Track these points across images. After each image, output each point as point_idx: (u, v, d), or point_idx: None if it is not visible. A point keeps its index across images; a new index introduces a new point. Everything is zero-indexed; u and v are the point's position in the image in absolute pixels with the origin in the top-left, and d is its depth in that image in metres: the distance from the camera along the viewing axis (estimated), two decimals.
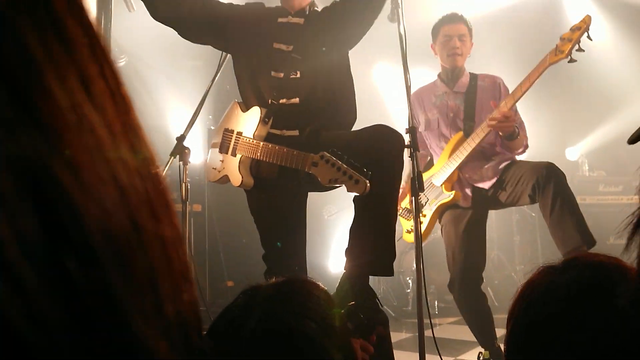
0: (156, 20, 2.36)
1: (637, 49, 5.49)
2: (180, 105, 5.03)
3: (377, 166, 1.97)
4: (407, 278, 5.00)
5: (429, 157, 3.11)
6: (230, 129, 2.36)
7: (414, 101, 3.07)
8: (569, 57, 2.50)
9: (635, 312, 0.40)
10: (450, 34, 2.91)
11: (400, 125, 2.27)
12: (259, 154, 2.20)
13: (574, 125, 6.52)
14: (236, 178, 2.28)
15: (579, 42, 2.50)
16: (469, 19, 3.01)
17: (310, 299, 0.83)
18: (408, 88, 2.28)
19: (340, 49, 2.34)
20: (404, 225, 3.10)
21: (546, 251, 5.19)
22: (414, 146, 2.15)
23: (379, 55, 6.13)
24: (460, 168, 2.85)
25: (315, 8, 2.38)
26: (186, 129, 2.59)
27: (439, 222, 3.01)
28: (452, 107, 2.93)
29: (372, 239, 2.00)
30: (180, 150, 2.52)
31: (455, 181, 2.89)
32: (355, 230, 2.05)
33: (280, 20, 2.34)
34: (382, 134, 2.05)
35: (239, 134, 2.30)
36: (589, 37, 2.50)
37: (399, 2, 2.37)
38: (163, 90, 5.47)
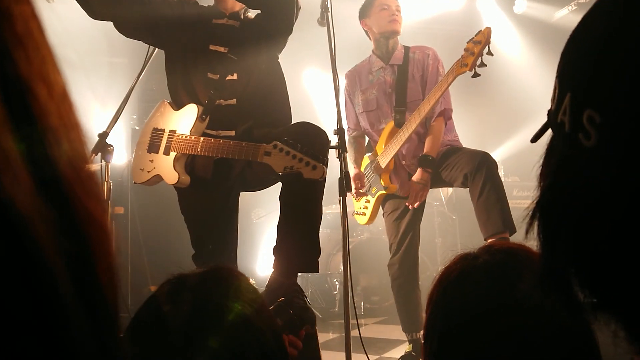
0: (94, 19, 2.29)
1: (548, 62, 5.88)
2: (101, 103, 4.82)
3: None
4: (334, 280, 5.06)
5: (366, 140, 3.17)
6: (160, 128, 2.32)
7: (350, 81, 3.12)
8: (473, 70, 2.52)
9: (536, 293, 0.45)
10: (388, 3, 2.96)
11: (330, 127, 2.30)
12: (199, 150, 2.17)
13: (492, 133, 6.89)
14: (172, 176, 2.24)
15: (482, 55, 2.51)
16: None
17: (239, 284, 0.83)
18: (337, 91, 2.30)
19: (270, 53, 2.40)
20: (355, 207, 3.16)
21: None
22: (342, 147, 2.18)
23: (309, 59, 6.18)
24: (397, 156, 2.91)
25: (248, 13, 2.41)
26: (109, 125, 2.49)
27: (382, 209, 3.10)
28: (390, 83, 2.96)
29: (298, 237, 2.03)
30: (102, 147, 2.42)
31: (391, 170, 2.95)
32: (282, 228, 2.07)
33: (215, 21, 2.35)
34: (307, 131, 2.08)
35: (172, 132, 2.27)
36: (489, 52, 2.50)
37: (328, 7, 2.41)
38: (82, 88, 5.22)
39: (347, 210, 2.16)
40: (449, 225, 5.46)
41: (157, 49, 2.61)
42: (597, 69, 0.42)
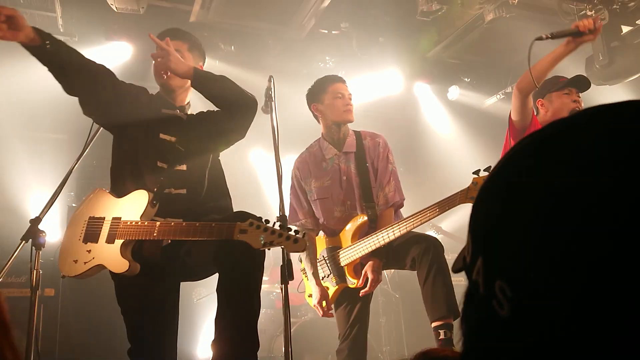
0: (69, 94, 2.30)
1: (478, 144, 6.23)
2: (40, 180, 4.66)
3: (239, 257, 2.01)
4: None
5: (319, 232, 3.07)
6: (98, 216, 2.25)
7: (302, 168, 3.07)
8: None
9: None
10: (342, 91, 2.99)
11: (277, 207, 2.32)
12: (155, 234, 2.10)
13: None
14: (119, 265, 2.13)
15: None
16: None
17: None
18: (279, 177, 2.32)
19: (218, 149, 2.48)
20: (307, 289, 3.04)
21: (409, 332, 5.41)
22: None
23: (255, 141, 6.27)
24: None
25: (190, 108, 2.50)
26: (42, 210, 2.39)
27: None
28: (345, 170, 2.94)
29: (236, 331, 1.99)
30: (33, 234, 2.31)
31: (357, 263, 2.87)
32: (219, 323, 2.03)
33: (164, 111, 2.40)
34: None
35: (117, 219, 2.20)
36: None
37: (272, 96, 2.50)
38: (22, 164, 5.06)
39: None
40: (393, 304, 5.46)
41: (101, 128, 2.61)
42: (505, 241, 0.41)
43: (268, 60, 5.38)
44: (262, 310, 5.68)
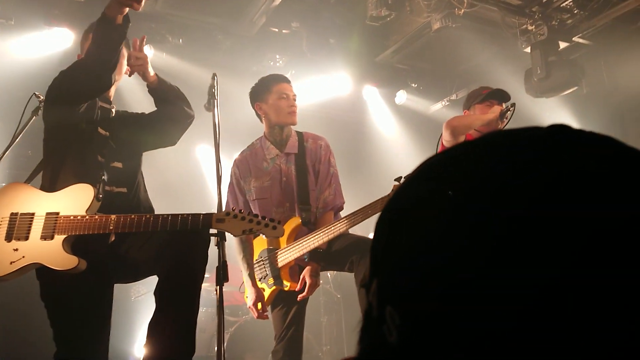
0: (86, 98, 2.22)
1: (422, 147, 6.38)
2: None
3: (184, 258, 1.97)
4: None
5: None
6: (25, 212, 2.08)
7: (242, 167, 3.01)
8: None
9: None
10: (287, 92, 2.93)
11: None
12: (111, 227, 2.01)
13: (372, 217, 7.21)
14: (65, 261, 1.99)
15: None
16: None
17: None
18: (219, 178, 2.27)
19: (143, 150, 2.46)
20: (246, 292, 2.97)
21: (350, 331, 5.48)
22: (221, 235, 2.15)
23: (200, 137, 6.18)
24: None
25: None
26: None
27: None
28: (285, 171, 2.90)
29: (175, 333, 1.94)
30: None
31: (291, 266, 2.84)
32: (153, 326, 1.97)
33: (101, 104, 2.35)
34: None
35: (53, 214, 2.06)
36: None
37: (214, 94, 2.46)
38: None
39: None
40: (334, 303, 5.51)
41: (34, 116, 2.52)
42: (407, 266, 0.41)
43: (216, 56, 5.30)
44: (202, 309, 5.60)
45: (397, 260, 0.42)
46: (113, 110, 2.40)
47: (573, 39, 5.07)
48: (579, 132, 0.41)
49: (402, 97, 6.48)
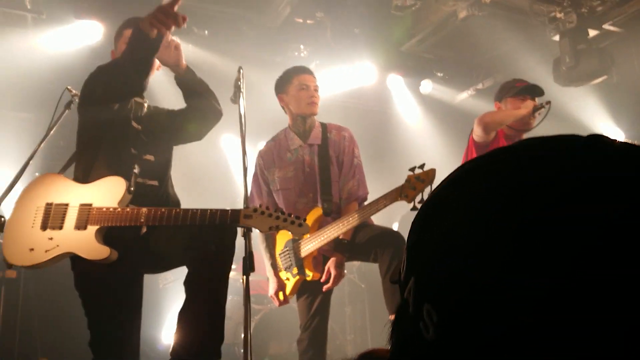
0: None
1: (448, 139, 6.33)
2: (2, 162, 4.54)
3: (210, 248, 2.02)
4: (241, 349, 4.90)
5: None
6: (60, 202, 2.14)
7: (266, 157, 3.05)
8: (413, 204, 2.55)
9: None
10: (307, 83, 2.95)
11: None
12: (142, 220, 2.07)
13: (397, 205, 7.20)
14: (97, 251, 2.05)
15: (423, 192, 2.55)
16: None
17: None
18: (245, 170, 2.31)
19: (173, 145, 2.54)
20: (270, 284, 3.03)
21: (374, 321, 5.50)
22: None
23: (227, 127, 6.23)
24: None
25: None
26: (3, 194, 2.33)
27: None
28: (308, 162, 2.93)
29: (201, 324, 2.00)
30: None
31: (314, 256, 2.88)
32: (184, 315, 2.03)
33: (135, 99, 2.43)
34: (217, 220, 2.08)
35: (86, 205, 2.11)
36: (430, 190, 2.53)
37: (240, 87, 2.50)
38: None
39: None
40: (358, 293, 5.53)
41: (67, 109, 2.59)
42: (441, 266, 0.42)
43: (241, 47, 5.33)
44: (229, 298, 5.67)
45: (434, 259, 0.43)
46: (145, 104, 2.47)
47: (603, 26, 4.95)
48: (617, 143, 0.42)
49: (427, 86, 6.42)
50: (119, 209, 2.10)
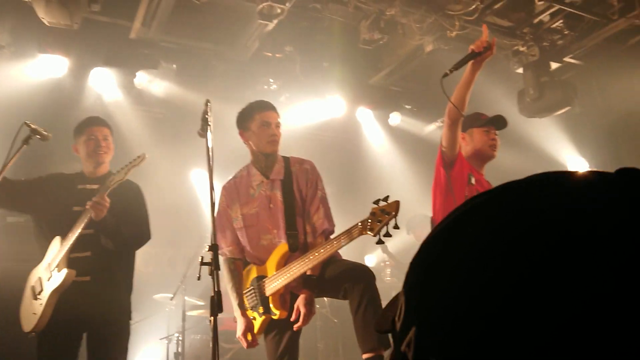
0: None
1: (416, 169, 6.38)
2: None
3: None
4: None
5: (246, 264, 2.99)
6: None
7: (229, 195, 2.99)
8: (378, 238, 2.49)
9: None
10: (269, 120, 2.89)
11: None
12: None
13: (368, 237, 7.17)
14: None
15: (387, 225, 2.48)
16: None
17: None
18: (212, 205, 2.25)
19: None
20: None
21: (347, 357, 5.39)
22: (215, 265, 2.12)
23: (196, 160, 6.17)
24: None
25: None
26: None
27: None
28: (272, 198, 2.87)
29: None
30: None
31: (281, 294, 2.80)
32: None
33: (79, 186, 3.02)
34: None
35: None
36: (396, 225, 2.48)
37: (207, 120, 2.46)
38: None
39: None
40: (331, 328, 5.44)
41: (23, 146, 2.61)
42: (456, 317, 0.37)
43: (210, 81, 5.32)
44: (197, 337, 5.52)
45: (441, 307, 0.38)
46: (93, 186, 3.03)
47: (564, 59, 5.13)
48: None
49: (396, 118, 6.50)
50: None
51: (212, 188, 2.30)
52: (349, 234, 2.56)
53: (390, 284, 6.17)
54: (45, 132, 2.73)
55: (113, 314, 3.01)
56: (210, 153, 2.37)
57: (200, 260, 2.21)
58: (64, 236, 2.85)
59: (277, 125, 2.93)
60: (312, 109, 6.09)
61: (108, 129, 3.19)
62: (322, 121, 6.33)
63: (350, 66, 5.60)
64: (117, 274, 3.06)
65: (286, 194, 2.86)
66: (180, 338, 4.90)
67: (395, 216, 2.48)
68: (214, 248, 2.17)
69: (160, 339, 5.20)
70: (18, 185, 2.94)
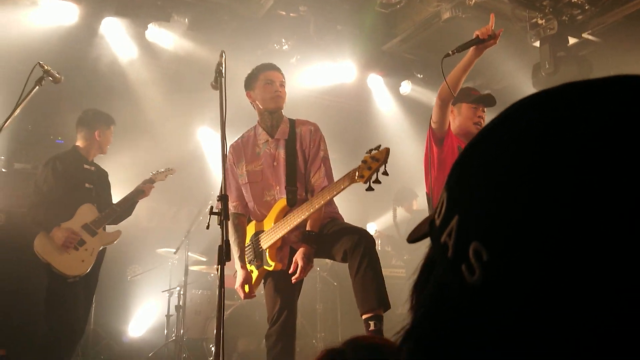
0: None
1: (422, 137, 6.34)
2: None
3: None
4: (210, 345, 4.83)
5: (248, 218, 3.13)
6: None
7: (236, 153, 3.12)
8: (368, 185, 2.54)
9: None
10: (272, 78, 3.04)
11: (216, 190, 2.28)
12: None
13: (373, 204, 7.21)
14: None
15: (378, 171, 2.54)
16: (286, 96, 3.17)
17: None
18: (224, 156, 2.30)
19: None
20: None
21: (345, 318, 5.49)
22: (225, 215, 2.16)
23: (204, 118, 6.15)
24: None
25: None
26: None
27: (263, 282, 3.05)
28: (275, 156, 3.01)
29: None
30: None
31: (278, 247, 2.93)
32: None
33: (85, 166, 3.84)
34: None
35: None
36: (385, 172, 2.54)
37: (222, 72, 2.45)
38: None
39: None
40: (330, 291, 5.52)
41: (35, 87, 2.56)
42: (498, 201, 0.37)
43: (222, 38, 5.24)
44: (198, 292, 5.61)
45: (484, 191, 0.39)
46: (90, 167, 3.92)
47: (583, 35, 5.01)
48: None
49: (406, 87, 6.42)
50: None
51: (224, 138, 2.33)
52: (342, 182, 2.63)
53: (386, 252, 6.25)
54: (57, 75, 2.74)
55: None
56: (224, 104, 2.38)
57: (209, 209, 2.27)
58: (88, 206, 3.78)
59: (282, 84, 3.05)
60: (323, 73, 6.02)
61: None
62: (331, 86, 6.26)
63: (365, 30, 5.50)
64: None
65: (289, 153, 2.97)
66: (181, 291, 4.99)
67: (384, 163, 2.53)
68: (223, 198, 2.21)
69: (162, 292, 5.30)
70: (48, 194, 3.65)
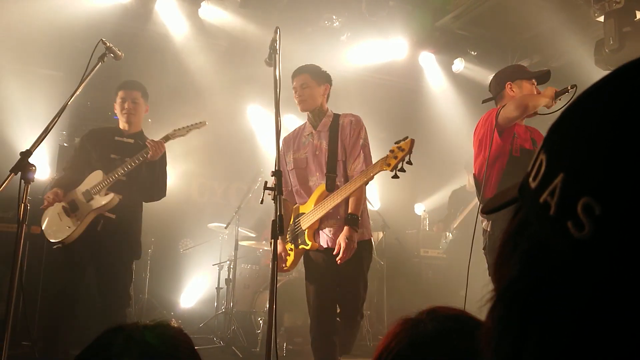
0: None
1: (475, 116, 6.18)
2: (31, 116, 4.58)
3: None
4: (259, 319, 4.95)
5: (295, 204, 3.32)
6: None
7: (286, 144, 3.36)
8: (394, 172, 2.77)
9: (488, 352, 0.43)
10: (294, 85, 3.24)
11: (269, 166, 2.31)
12: None
13: (422, 184, 7.12)
14: None
15: (403, 161, 2.77)
16: (335, 74, 3.32)
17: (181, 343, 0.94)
18: (278, 132, 2.34)
19: None
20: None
21: (391, 299, 5.49)
22: (279, 190, 2.20)
23: (254, 96, 6.20)
24: (321, 217, 3.10)
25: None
26: (34, 144, 2.37)
27: (303, 262, 3.24)
28: (317, 146, 3.23)
29: None
30: (23, 167, 2.28)
31: (316, 229, 3.13)
32: None
33: (116, 138, 3.63)
34: None
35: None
36: (409, 161, 2.76)
37: (277, 48, 2.46)
38: (13, 98, 4.95)
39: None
40: (377, 270, 5.52)
41: (98, 64, 2.64)
42: (610, 154, 0.37)
43: (274, 15, 5.24)
44: (247, 266, 5.71)
45: (594, 146, 0.39)
46: (129, 140, 3.64)
47: None
48: None
49: (459, 65, 6.25)
50: None
51: (278, 114, 2.37)
52: (372, 169, 2.88)
53: (427, 234, 6.19)
54: (118, 52, 2.83)
55: (126, 254, 3.54)
56: (278, 81, 2.40)
57: (264, 184, 2.37)
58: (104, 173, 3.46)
59: (303, 86, 3.22)
60: (373, 50, 5.94)
61: (139, 91, 3.67)
62: (382, 63, 6.17)
63: (418, 6, 5.37)
64: (137, 220, 3.62)
65: (331, 143, 3.20)
66: (231, 266, 5.11)
67: (409, 153, 2.77)
68: (277, 174, 2.25)
69: (213, 265, 5.45)
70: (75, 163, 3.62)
